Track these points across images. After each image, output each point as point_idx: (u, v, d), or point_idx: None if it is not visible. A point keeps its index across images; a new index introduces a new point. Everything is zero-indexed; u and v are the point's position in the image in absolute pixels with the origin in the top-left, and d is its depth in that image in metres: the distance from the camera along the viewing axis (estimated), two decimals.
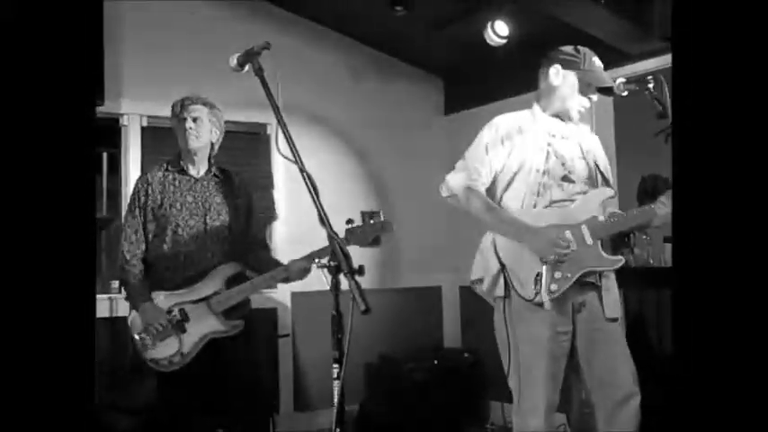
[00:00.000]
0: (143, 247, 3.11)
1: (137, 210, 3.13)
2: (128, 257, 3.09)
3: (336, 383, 1.97)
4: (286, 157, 2.16)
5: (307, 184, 2.09)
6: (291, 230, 4.80)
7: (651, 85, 2.58)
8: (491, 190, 2.83)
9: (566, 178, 2.77)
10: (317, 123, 5.06)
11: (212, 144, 3.21)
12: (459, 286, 5.62)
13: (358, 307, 1.87)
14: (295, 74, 4.62)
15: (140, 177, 3.22)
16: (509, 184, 2.78)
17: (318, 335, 4.91)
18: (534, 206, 2.73)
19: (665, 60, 4.08)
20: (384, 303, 5.10)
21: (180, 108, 3.14)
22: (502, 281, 2.68)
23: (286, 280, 3.04)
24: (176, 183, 3.14)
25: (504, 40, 4.50)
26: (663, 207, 2.63)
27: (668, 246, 4.10)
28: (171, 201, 3.10)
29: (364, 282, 2.00)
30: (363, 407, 4.72)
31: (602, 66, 2.85)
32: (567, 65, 2.83)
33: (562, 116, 2.86)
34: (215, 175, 3.20)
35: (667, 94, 2.52)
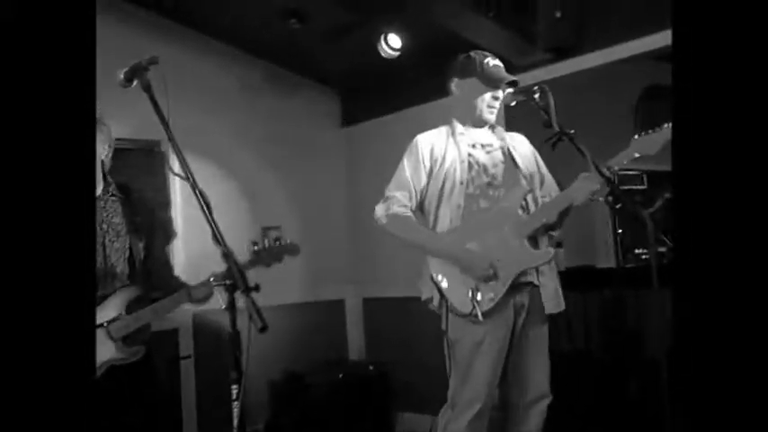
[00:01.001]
0: None
1: None
2: None
3: (236, 404, 1.93)
4: (178, 175, 2.12)
5: (200, 201, 2.05)
6: (190, 248, 4.67)
7: (537, 96, 2.69)
8: (423, 210, 2.91)
9: (490, 185, 2.85)
10: (210, 139, 4.98)
11: (102, 161, 3.04)
12: (363, 298, 5.65)
13: (255, 325, 1.85)
14: (187, 89, 4.54)
15: None
16: (438, 201, 2.86)
17: (221, 355, 4.82)
18: (462, 220, 2.80)
19: (549, 72, 4.25)
20: (286, 319, 5.06)
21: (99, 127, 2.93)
22: (441, 299, 2.79)
23: (190, 302, 2.93)
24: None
25: (398, 53, 4.58)
26: (580, 182, 2.69)
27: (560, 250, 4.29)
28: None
29: (263, 298, 1.97)
30: (269, 426, 4.66)
31: (501, 64, 2.92)
32: (463, 73, 2.92)
33: (479, 124, 2.94)
34: (112, 193, 3.03)
35: (552, 104, 2.63)
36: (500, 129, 3.01)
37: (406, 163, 2.91)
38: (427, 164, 2.88)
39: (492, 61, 2.90)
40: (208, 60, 5.12)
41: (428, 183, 2.88)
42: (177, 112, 2.25)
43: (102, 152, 3.00)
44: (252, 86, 5.34)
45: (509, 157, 2.93)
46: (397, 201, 2.87)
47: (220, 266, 2.76)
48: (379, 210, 2.90)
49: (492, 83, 2.87)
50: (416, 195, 2.89)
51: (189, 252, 4.67)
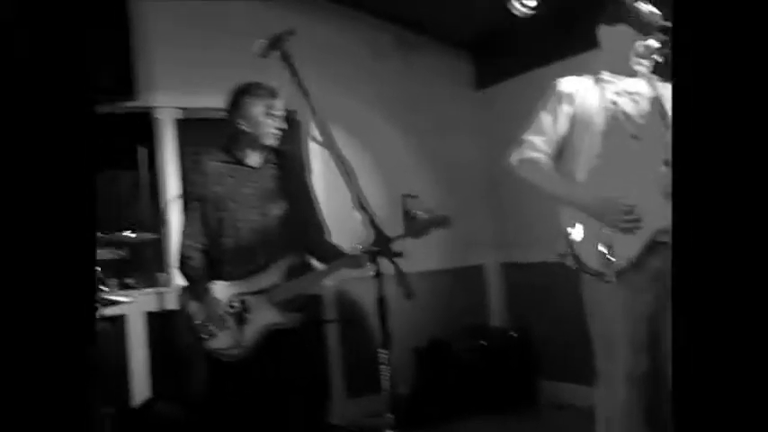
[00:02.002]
0: (202, 239, 3.06)
1: (194, 202, 3.07)
2: (186, 250, 3.06)
3: (385, 369, 1.95)
4: (320, 143, 2.14)
5: (342, 169, 2.07)
6: (330, 215, 4.77)
7: None
8: (562, 158, 2.76)
9: (635, 136, 2.65)
10: (343, 107, 5.02)
11: (266, 133, 3.10)
12: (503, 263, 5.57)
13: (402, 291, 1.86)
14: (321, 58, 4.59)
15: (195, 168, 3.12)
16: (577, 149, 2.70)
17: (364, 320, 4.93)
18: (601, 169, 2.63)
19: None
20: (427, 286, 5.06)
21: (269, 100, 3.02)
22: (573, 255, 2.64)
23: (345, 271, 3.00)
24: (233, 174, 3.06)
25: (533, 11, 4.43)
26: None
27: None
28: (229, 193, 3.03)
29: (404, 265, 1.98)
30: (414, 391, 4.72)
31: (655, 10, 2.70)
32: (611, 19, 2.74)
33: (628, 72, 2.76)
34: (272, 162, 3.13)
35: None
36: (654, 78, 2.79)
37: (545, 107, 2.76)
38: (567, 109, 2.71)
39: (644, 6, 2.70)
40: (338, 27, 5.15)
41: (567, 129, 2.72)
42: (310, 80, 2.27)
43: (271, 124, 3.07)
44: (383, 52, 5.32)
45: (659, 109, 2.70)
46: (533, 145, 2.72)
47: (357, 232, 2.84)
48: (514, 154, 2.76)
49: (644, 29, 2.67)
50: (554, 141, 2.73)
51: (329, 219, 4.77)
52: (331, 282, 4.79)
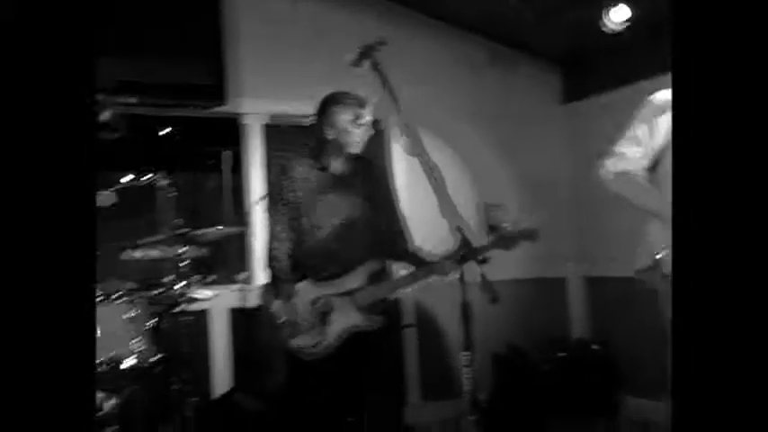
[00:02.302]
0: (287, 242, 3.13)
1: (281, 205, 3.14)
2: (274, 253, 3.13)
3: (467, 371, 1.98)
4: (408, 151, 2.19)
5: (430, 176, 2.11)
6: (417, 222, 4.83)
7: None
8: (657, 172, 2.70)
9: None
10: (432, 116, 5.07)
11: (352, 142, 3.14)
12: (583, 276, 5.51)
13: (486, 296, 1.88)
14: (409, 67, 4.64)
15: (281, 174, 3.19)
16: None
17: (441, 325, 4.95)
18: None
19: None
20: (509, 294, 5.02)
21: (357, 109, 3.06)
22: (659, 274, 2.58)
23: (427, 277, 3.05)
24: (319, 179, 3.13)
25: (623, 26, 4.38)
26: None
27: None
28: (315, 197, 3.10)
29: (488, 273, 2.00)
30: (492, 397, 4.71)
31: None
32: None
33: None
34: (357, 170, 3.19)
35: None
36: None
37: (640, 118, 2.70)
38: (664, 120, 2.64)
39: None
40: (429, 39, 5.20)
41: (664, 141, 2.64)
42: (401, 90, 2.31)
43: (357, 133, 3.10)
44: (473, 64, 5.35)
45: None
46: (627, 158, 2.67)
47: (443, 240, 2.89)
48: (607, 167, 2.71)
49: None
50: (650, 153, 2.67)
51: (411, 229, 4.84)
52: (414, 288, 4.83)
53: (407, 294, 4.91)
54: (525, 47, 5.50)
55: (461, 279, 2.03)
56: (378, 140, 5.04)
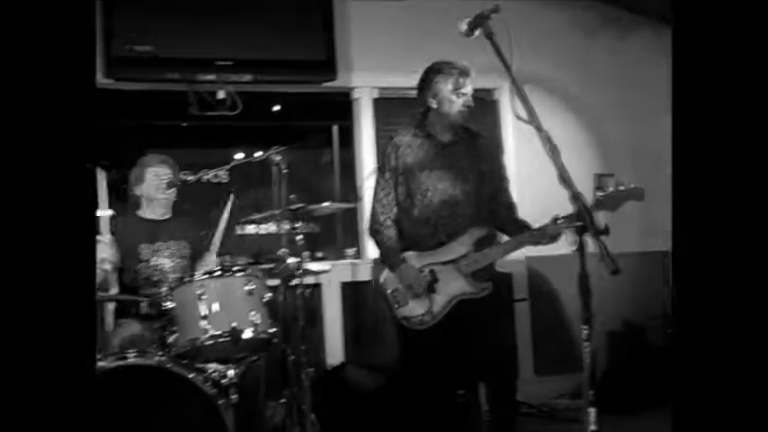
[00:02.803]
0: (395, 210, 3.17)
1: (387, 173, 3.19)
2: (381, 219, 3.18)
3: (587, 345, 1.92)
4: (522, 119, 2.14)
5: (545, 144, 2.06)
6: (522, 194, 4.77)
7: None
8: None
9: None
10: (548, 85, 4.95)
11: (455, 112, 3.20)
12: None
13: (607, 267, 1.82)
14: (524, 35, 4.53)
15: (390, 142, 3.24)
16: None
17: (554, 299, 4.86)
18: None
19: None
20: (625, 268, 4.88)
21: (459, 79, 3.09)
22: None
23: (535, 243, 3.02)
24: (425, 149, 3.15)
25: None
26: None
27: None
28: (420, 165, 3.13)
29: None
30: (606, 374, 4.60)
31: None
32: None
33: None
34: (462, 139, 3.20)
35: None
36: None
37: None
38: None
39: None
40: (541, 5, 5.07)
41: None
42: (513, 57, 2.26)
43: (458, 102, 3.12)
44: (585, 28, 5.18)
45: None
46: None
47: (550, 209, 2.83)
48: None
49: None
50: None
51: (521, 198, 4.76)
52: (521, 256, 4.77)
53: (520, 268, 4.85)
54: (638, 10, 5.28)
55: (580, 250, 1.96)
56: (491, 109, 4.98)
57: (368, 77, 4.78)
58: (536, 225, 3.01)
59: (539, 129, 2.08)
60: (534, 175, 4.23)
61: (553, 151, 2.05)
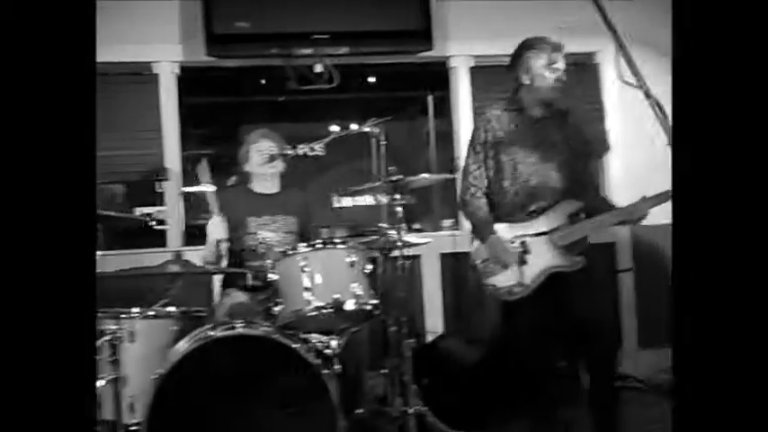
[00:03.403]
0: (485, 182, 3.20)
1: (478, 147, 3.21)
2: (471, 192, 3.20)
3: None
4: (629, 84, 2.07)
5: (654, 109, 1.99)
6: (625, 162, 4.63)
7: None
8: None
9: None
10: (653, 47, 4.74)
11: (545, 87, 3.18)
12: None
13: None
14: None
15: (480, 116, 3.28)
16: None
17: (662, 269, 4.70)
18: None
19: None
20: None
21: (551, 54, 3.10)
22: None
23: (622, 223, 3.11)
24: (516, 122, 3.16)
25: None
26: None
27: None
28: (511, 140, 3.13)
29: None
30: None
31: None
32: None
33: None
34: (554, 114, 3.20)
35: None
36: None
37: None
38: None
39: None
40: None
41: None
42: (618, 20, 2.19)
43: (551, 77, 3.08)
44: None
45: None
46: None
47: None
48: None
49: None
50: None
51: (624, 166, 4.63)
52: (624, 229, 4.64)
53: (624, 237, 4.72)
54: None
55: None
56: (591, 74, 4.84)
57: (464, 46, 4.71)
58: (626, 203, 3.03)
59: (647, 94, 2.01)
60: (636, 146, 4.08)
61: (661, 115, 1.99)
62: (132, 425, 2.78)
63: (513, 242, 3.08)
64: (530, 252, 3.05)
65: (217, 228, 3.24)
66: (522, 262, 3.05)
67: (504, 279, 3.07)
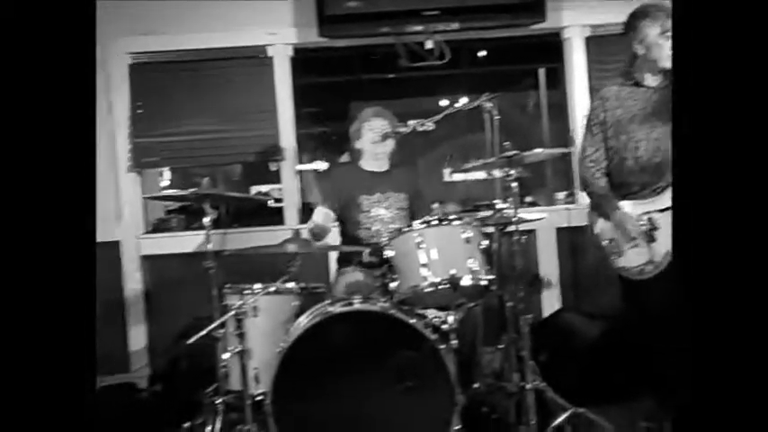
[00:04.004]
0: (605, 163, 3.12)
1: (596, 127, 3.13)
2: (592, 172, 3.13)
3: None
4: None
5: None
6: None
7: None
8: None
9: None
10: None
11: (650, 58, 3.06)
12: None
13: None
14: None
15: (596, 95, 3.20)
16: None
17: None
18: None
19: None
20: None
21: (666, 21, 2.97)
22: None
23: None
24: (633, 96, 3.06)
25: None
26: None
27: None
28: (630, 116, 3.04)
29: None
30: None
31: None
32: None
33: None
34: (670, 84, 3.04)
35: None
36: None
37: None
38: None
39: None
40: None
41: None
42: None
43: (667, 45, 2.96)
44: None
45: None
46: None
47: None
48: None
49: None
50: None
51: None
52: None
53: None
54: None
55: None
56: None
57: (579, 16, 4.58)
58: None
59: None
60: None
61: None
62: (258, 395, 2.89)
63: (639, 219, 2.99)
64: (658, 228, 2.95)
65: (319, 216, 3.31)
66: (651, 239, 2.96)
67: (634, 258, 2.99)
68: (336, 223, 3.54)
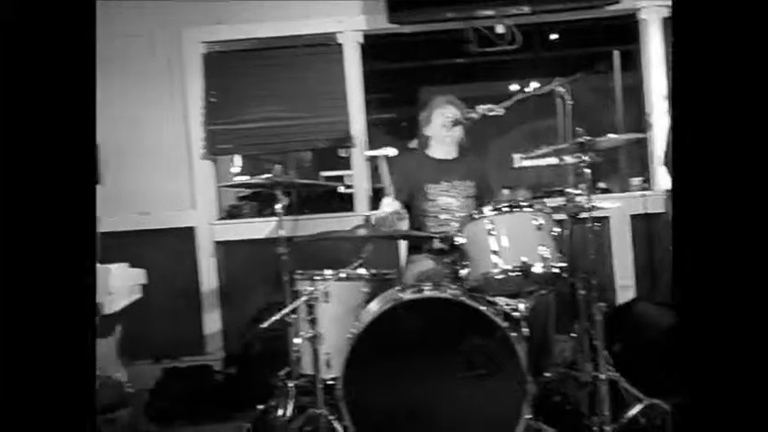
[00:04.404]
0: None
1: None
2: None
3: None
4: None
5: None
6: None
7: None
8: None
9: None
10: None
11: None
12: None
13: None
14: None
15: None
16: None
17: None
18: None
19: None
20: None
21: None
22: None
23: None
24: None
25: None
26: None
27: None
28: None
29: None
30: None
31: None
32: None
33: None
34: None
35: None
36: None
37: None
38: None
39: None
40: None
41: None
42: None
43: None
44: None
45: None
46: None
47: None
48: None
49: None
50: None
51: None
52: None
53: None
54: None
55: None
56: None
57: None
58: None
59: None
60: None
61: None
62: (329, 379, 2.93)
63: None
64: None
65: (386, 206, 3.33)
66: None
67: None
68: (405, 211, 3.54)
